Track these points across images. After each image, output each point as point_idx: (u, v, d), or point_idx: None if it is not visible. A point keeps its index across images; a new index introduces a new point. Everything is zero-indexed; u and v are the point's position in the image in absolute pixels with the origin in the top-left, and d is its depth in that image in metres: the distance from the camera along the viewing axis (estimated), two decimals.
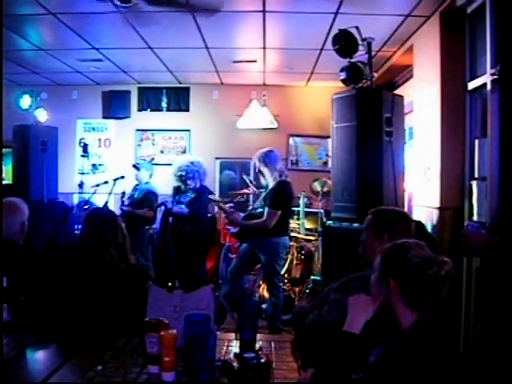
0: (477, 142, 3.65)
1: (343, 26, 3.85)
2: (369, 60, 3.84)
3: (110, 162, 7.32)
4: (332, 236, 3.86)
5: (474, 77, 3.74)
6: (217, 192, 6.91)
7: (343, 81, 3.91)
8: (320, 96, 6.58)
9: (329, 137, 4.18)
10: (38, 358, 2.01)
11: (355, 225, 3.47)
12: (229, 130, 7.14)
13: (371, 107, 3.62)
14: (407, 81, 5.45)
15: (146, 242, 5.33)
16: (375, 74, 3.97)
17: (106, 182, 5.54)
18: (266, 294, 4.75)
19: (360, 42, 3.79)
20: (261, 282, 4.98)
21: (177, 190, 4.97)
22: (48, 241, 5.41)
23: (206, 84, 7.14)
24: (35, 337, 2.06)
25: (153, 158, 7.02)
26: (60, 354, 1.99)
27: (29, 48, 5.32)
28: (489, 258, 2.61)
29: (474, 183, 3.64)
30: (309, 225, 5.81)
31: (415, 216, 4.27)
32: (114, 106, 7.18)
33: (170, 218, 4.93)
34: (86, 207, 5.60)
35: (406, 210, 4.16)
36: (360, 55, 3.85)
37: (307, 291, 5.04)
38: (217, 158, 7.26)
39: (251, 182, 5.55)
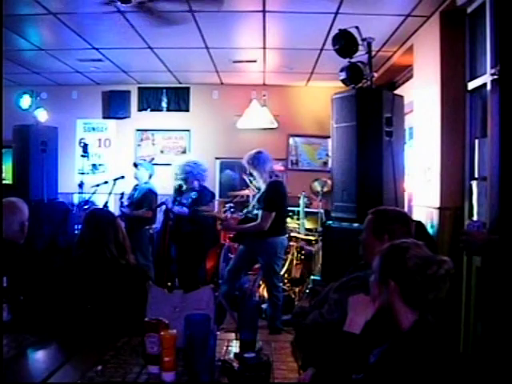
0: (477, 142, 3.65)
1: (343, 26, 3.85)
2: (369, 60, 3.84)
3: (110, 162, 7.32)
4: (332, 236, 3.86)
5: (473, 77, 3.74)
6: (217, 192, 6.91)
7: (343, 81, 3.91)
8: (320, 96, 6.58)
9: (329, 137, 4.18)
10: (38, 357, 2.01)
11: (355, 225, 3.47)
12: (229, 130, 7.14)
13: (371, 107, 3.62)
14: (407, 81, 5.45)
15: (146, 242, 5.32)
16: (375, 74, 3.97)
17: (106, 182, 5.54)
18: (266, 294, 4.75)
19: (360, 42, 3.79)
20: (261, 282, 4.98)
21: (178, 191, 4.98)
22: (48, 241, 5.41)
23: (206, 84, 7.14)
24: (35, 337, 2.06)
25: (153, 158, 7.01)
26: (60, 354, 2.00)
27: (29, 48, 5.32)
28: (490, 257, 2.61)
29: (474, 183, 3.64)
30: (309, 225, 5.82)
31: (415, 216, 4.27)
32: (114, 106, 7.18)
33: (171, 217, 4.93)
34: (86, 207, 5.59)
35: (406, 209, 4.16)
36: (360, 55, 3.85)
37: (307, 291, 5.04)
38: (217, 158, 7.26)
39: (251, 181, 5.55)
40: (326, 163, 7.07)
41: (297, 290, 5.23)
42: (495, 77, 3.18)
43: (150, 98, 7.33)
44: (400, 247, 1.51)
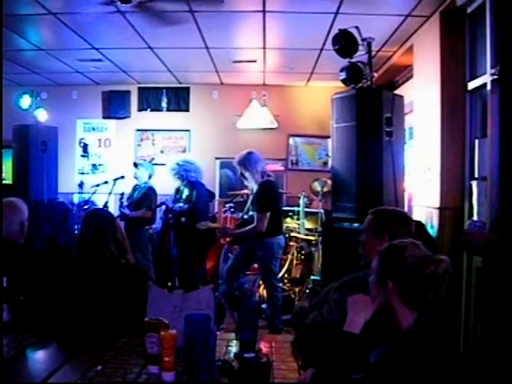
0: (477, 142, 3.65)
1: (343, 25, 3.85)
2: (369, 60, 3.83)
3: (110, 162, 7.32)
4: (332, 236, 3.86)
5: (473, 77, 3.74)
6: (217, 192, 6.92)
7: (343, 81, 3.90)
8: (320, 96, 6.57)
9: (329, 137, 4.18)
10: (38, 358, 2.01)
11: (355, 225, 3.47)
12: (229, 130, 7.14)
13: (371, 107, 3.61)
14: (407, 81, 5.45)
15: (146, 242, 5.33)
16: (375, 74, 3.97)
17: (106, 182, 5.55)
18: (265, 294, 4.75)
19: (360, 42, 3.79)
20: (261, 282, 4.98)
21: (176, 190, 5.05)
22: (48, 241, 5.42)
23: (206, 84, 7.14)
24: (35, 337, 2.06)
25: (153, 158, 7.02)
26: (60, 354, 2.00)
27: (29, 48, 5.32)
28: (490, 257, 2.61)
29: (474, 183, 3.64)
30: (309, 225, 5.81)
31: (415, 216, 4.27)
32: (114, 106, 7.18)
33: (170, 216, 4.94)
34: (85, 207, 5.59)
35: (406, 210, 4.16)
36: (360, 55, 3.85)
37: (307, 291, 5.04)
38: (217, 158, 7.26)
39: (243, 182, 5.56)
40: (326, 163, 7.07)
41: (297, 290, 5.23)
42: (495, 77, 3.19)
43: (150, 98, 7.33)
44: (397, 247, 1.51)
